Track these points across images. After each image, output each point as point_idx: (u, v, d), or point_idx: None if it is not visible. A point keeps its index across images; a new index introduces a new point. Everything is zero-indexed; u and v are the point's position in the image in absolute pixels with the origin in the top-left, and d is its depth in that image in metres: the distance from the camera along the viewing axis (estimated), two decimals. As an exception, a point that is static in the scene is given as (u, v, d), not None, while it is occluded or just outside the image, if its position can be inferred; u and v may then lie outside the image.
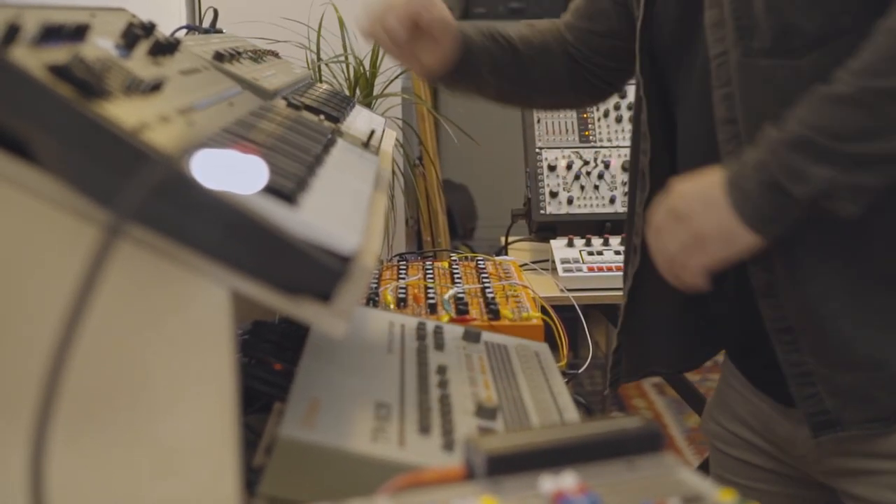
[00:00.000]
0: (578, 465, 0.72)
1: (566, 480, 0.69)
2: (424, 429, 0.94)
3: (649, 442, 0.75)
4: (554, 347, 1.39)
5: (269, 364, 1.20)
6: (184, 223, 0.73)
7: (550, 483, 0.69)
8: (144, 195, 0.66)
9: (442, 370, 1.11)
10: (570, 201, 2.26)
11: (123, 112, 0.76)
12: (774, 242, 1.18)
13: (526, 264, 2.13)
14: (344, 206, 0.92)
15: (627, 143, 2.35)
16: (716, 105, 1.26)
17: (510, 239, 2.40)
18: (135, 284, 0.77)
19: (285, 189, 0.82)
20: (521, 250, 2.34)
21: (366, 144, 1.36)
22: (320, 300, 0.78)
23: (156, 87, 0.91)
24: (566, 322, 1.56)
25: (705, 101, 1.29)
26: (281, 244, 0.76)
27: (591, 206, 2.26)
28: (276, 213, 0.77)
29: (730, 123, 1.25)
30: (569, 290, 1.95)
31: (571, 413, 1.09)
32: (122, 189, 0.67)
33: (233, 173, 0.75)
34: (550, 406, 1.10)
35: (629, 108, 2.38)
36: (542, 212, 2.25)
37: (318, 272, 0.77)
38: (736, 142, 1.24)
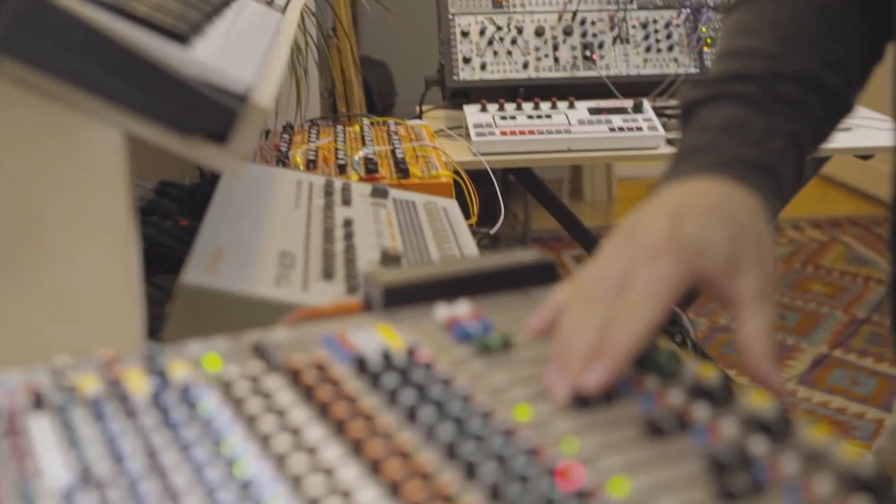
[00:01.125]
0: (474, 296, 0.73)
1: (460, 308, 0.70)
2: (328, 274, 0.95)
3: (544, 273, 0.76)
4: (467, 213, 1.40)
5: (177, 221, 1.19)
6: (67, 62, 0.72)
7: (445, 311, 0.70)
8: (11, 24, 0.64)
9: (348, 223, 1.11)
10: (483, 67, 2.25)
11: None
12: None
13: (442, 130, 2.13)
14: (240, 50, 0.91)
15: (541, 8, 2.34)
16: None
17: (424, 108, 2.39)
18: (24, 128, 0.75)
19: (178, 30, 0.80)
20: (436, 118, 2.34)
21: (270, 2, 1.34)
22: (216, 142, 0.78)
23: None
24: (482, 196, 1.56)
25: None
26: (173, 82, 0.74)
27: (505, 71, 2.25)
28: (168, 52, 0.76)
29: None
30: (482, 154, 1.95)
31: (477, 262, 1.11)
32: None
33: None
34: (456, 256, 1.11)
35: (542, -28, 2.36)
36: (455, 78, 2.24)
37: (212, 111, 0.76)
38: None
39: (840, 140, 2.13)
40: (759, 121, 0.85)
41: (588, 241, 2.76)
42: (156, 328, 0.93)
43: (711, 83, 0.90)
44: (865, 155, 2.25)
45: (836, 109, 0.92)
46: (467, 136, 2.05)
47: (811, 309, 3.71)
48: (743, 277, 0.70)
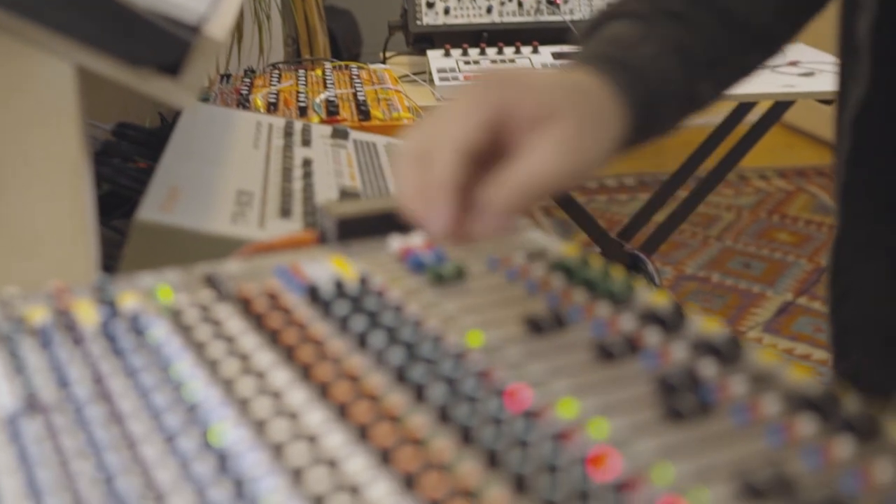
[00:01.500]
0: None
1: (414, 239, 0.70)
2: (285, 212, 0.94)
3: (500, 206, 0.76)
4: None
5: (134, 162, 1.18)
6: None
7: (399, 242, 0.70)
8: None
9: (307, 163, 1.11)
10: (446, 11, 2.23)
11: None
12: None
13: (406, 76, 2.11)
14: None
15: (505, -48, 2.31)
16: None
17: (388, 54, 2.38)
18: (-29, 60, 0.74)
19: (128, -39, 0.79)
20: (399, 64, 2.32)
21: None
22: (168, 74, 0.76)
23: None
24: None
25: None
26: (124, 13, 0.73)
27: (468, 16, 2.24)
28: (118, -17, 0.75)
29: None
30: (445, 100, 1.94)
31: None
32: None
33: None
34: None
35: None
36: (418, 22, 2.22)
37: (164, 42, 0.75)
38: None
39: (801, 85, 2.13)
40: (637, 31, 0.82)
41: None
42: (113, 268, 0.93)
43: (608, 9, 0.87)
44: (828, 100, 2.25)
45: (746, 36, 0.88)
46: (431, 81, 2.04)
47: (777, 258, 3.73)
48: (554, 121, 0.64)
